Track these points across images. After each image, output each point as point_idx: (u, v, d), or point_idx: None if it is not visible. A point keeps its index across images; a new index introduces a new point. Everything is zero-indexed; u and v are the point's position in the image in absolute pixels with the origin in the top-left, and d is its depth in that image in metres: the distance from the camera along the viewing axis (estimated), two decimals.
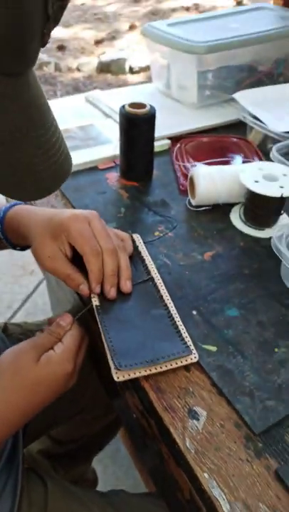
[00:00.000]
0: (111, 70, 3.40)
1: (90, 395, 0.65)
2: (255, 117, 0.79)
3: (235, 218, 0.63)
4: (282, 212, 0.61)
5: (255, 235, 0.60)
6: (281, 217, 0.62)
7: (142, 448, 0.50)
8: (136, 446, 0.51)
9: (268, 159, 0.68)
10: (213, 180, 0.63)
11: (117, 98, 0.94)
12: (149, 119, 0.64)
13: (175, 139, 0.81)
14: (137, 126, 0.64)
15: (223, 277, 0.54)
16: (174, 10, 4.23)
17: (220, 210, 0.64)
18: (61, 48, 3.69)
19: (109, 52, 3.60)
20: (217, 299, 0.51)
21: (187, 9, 4.25)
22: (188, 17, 0.97)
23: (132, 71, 3.40)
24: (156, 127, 0.81)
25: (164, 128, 0.82)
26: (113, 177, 0.70)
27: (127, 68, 3.39)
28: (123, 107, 0.64)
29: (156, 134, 0.80)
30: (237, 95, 0.84)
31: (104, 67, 3.42)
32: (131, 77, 3.35)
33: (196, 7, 4.30)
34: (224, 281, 0.53)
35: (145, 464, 0.49)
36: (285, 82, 0.99)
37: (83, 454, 0.80)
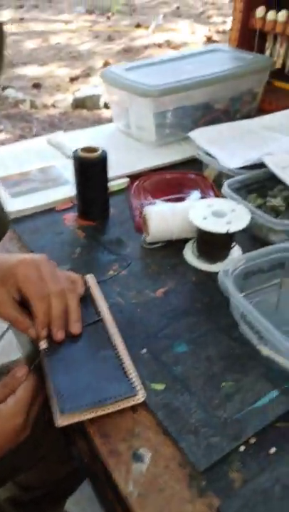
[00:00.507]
0: (86, 106, 3.50)
1: (50, 441, 0.65)
2: (209, 154, 0.83)
3: (189, 253, 0.65)
4: (233, 245, 0.64)
5: (207, 270, 0.62)
6: (234, 249, 0.65)
7: (98, 493, 0.49)
8: (95, 491, 0.51)
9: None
10: (165, 217, 0.65)
11: (79, 140, 0.98)
12: (101, 162, 0.67)
13: (134, 177, 0.84)
14: (89, 169, 0.67)
15: (175, 313, 0.55)
16: (146, 47, 4.42)
17: (174, 246, 0.66)
18: (37, 85, 3.79)
19: (84, 89, 3.71)
20: (167, 334, 0.52)
21: (159, 46, 4.44)
22: (145, 61, 1.03)
23: (106, 106, 3.50)
24: (115, 166, 0.85)
25: (123, 167, 0.85)
26: (71, 217, 0.72)
27: (101, 103, 3.50)
28: (76, 151, 0.67)
29: (115, 173, 0.83)
30: (192, 134, 0.88)
31: (79, 103, 3.52)
32: (106, 112, 3.45)
33: (168, 43, 4.50)
34: (175, 317, 0.54)
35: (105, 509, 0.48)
36: (241, 118, 1.04)
37: (50, 501, 0.78)
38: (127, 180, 0.83)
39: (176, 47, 4.35)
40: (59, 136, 0.98)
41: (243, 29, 1.10)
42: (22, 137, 3.06)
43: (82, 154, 0.66)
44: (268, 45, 1.09)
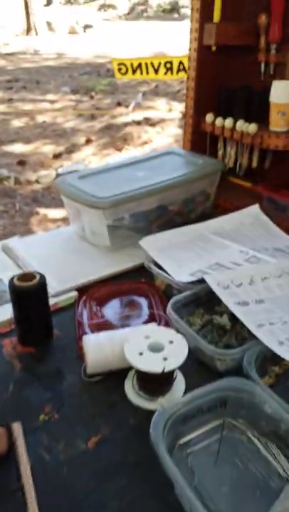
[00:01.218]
0: None
1: None
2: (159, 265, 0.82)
3: (129, 387, 0.61)
4: (175, 376, 0.60)
5: (147, 407, 0.58)
6: (177, 380, 0.61)
7: None
8: None
9: None
10: (102, 349, 0.62)
11: (34, 245, 0.97)
12: (39, 290, 0.65)
13: (83, 290, 0.82)
14: (26, 299, 0.65)
15: (105, 471, 0.50)
16: (126, 124, 4.68)
17: (114, 378, 0.62)
18: (21, 162, 3.93)
19: (66, 165, 3.86)
20: (92, 503, 0.47)
21: (138, 123, 4.70)
22: (99, 167, 1.06)
23: None
24: (64, 278, 0.83)
25: (73, 278, 0.84)
26: (10, 343, 0.69)
27: None
28: (12, 279, 0.65)
29: (64, 287, 0.82)
30: (143, 242, 0.88)
31: None
32: None
33: (147, 121, 4.77)
34: (105, 477, 0.49)
35: None
36: (195, 217, 1.06)
37: None
38: (75, 294, 0.81)
39: (153, 124, 4.61)
40: (12, 242, 0.97)
41: (195, 133, 1.15)
42: (4, 212, 3.13)
43: (18, 284, 0.65)
44: (220, 146, 1.14)
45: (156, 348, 0.59)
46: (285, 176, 1.11)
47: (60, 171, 3.72)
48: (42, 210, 3.17)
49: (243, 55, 1.12)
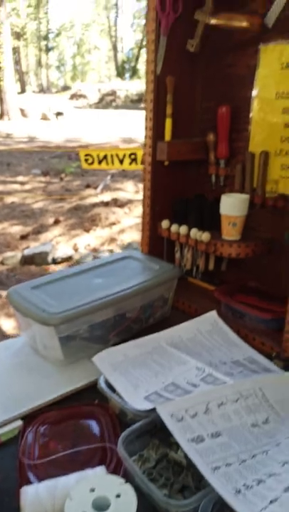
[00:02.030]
0: (35, 262, 3.59)
1: None
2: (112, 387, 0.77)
3: None
4: None
5: None
6: None
7: None
8: None
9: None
10: (42, 503, 0.55)
11: None
12: None
13: (30, 417, 0.75)
14: None
15: None
16: (94, 205, 4.83)
17: None
18: None
19: (34, 245, 3.86)
20: None
21: (106, 204, 4.87)
22: (55, 275, 1.04)
23: (54, 262, 3.61)
24: (7, 407, 0.77)
25: (19, 404, 0.77)
26: None
27: (49, 259, 3.61)
28: None
29: (7, 416, 0.75)
30: (96, 359, 0.84)
31: (28, 260, 3.61)
32: (54, 267, 3.54)
33: (115, 202, 4.95)
34: None
35: None
36: (153, 322, 1.05)
37: None
38: (19, 424, 0.74)
39: (121, 205, 4.79)
40: None
41: (152, 236, 1.18)
42: None
43: None
44: (177, 249, 1.16)
45: (100, 506, 0.52)
46: (242, 279, 1.13)
47: (26, 252, 3.71)
48: (5, 293, 3.09)
49: (195, 166, 1.19)
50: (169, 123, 1.08)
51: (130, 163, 3.26)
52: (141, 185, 5.98)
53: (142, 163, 1.14)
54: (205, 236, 1.04)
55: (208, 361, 0.84)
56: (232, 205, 1.00)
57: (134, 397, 0.74)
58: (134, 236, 3.99)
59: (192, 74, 1.12)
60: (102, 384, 0.79)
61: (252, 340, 0.94)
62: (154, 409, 0.69)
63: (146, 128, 1.11)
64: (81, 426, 0.74)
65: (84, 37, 31.95)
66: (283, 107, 0.96)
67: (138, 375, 0.81)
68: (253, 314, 0.96)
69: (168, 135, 1.09)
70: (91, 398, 0.80)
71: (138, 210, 4.74)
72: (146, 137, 1.12)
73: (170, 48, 1.03)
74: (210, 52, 1.10)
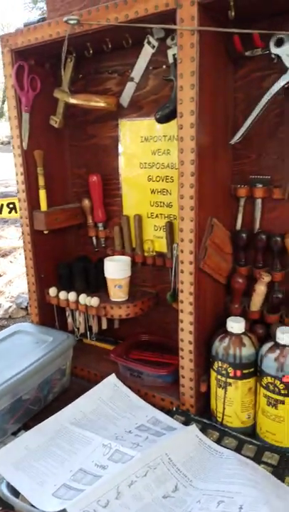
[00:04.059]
0: None
1: None
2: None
3: None
4: None
5: None
6: None
7: None
8: None
9: None
10: None
11: None
12: None
13: None
14: None
15: None
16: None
17: None
18: None
19: None
20: None
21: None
22: None
23: None
24: None
25: None
26: None
27: None
28: None
29: None
30: None
31: None
32: None
33: None
34: None
35: None
36: (53, 398, 1.01)
37: None
38: None
39: (4, 255, 4.56)
40: None
41: (41, 305, 1.15)
42: None
43: None
44: (68, 314, 1.15)
45: None
46: (136, 334, 1.16)
47: None
48: None
49: (75, 229, 1.21)
50: (43, 194, 1.09)
51: (9, 212, 3.15)
52: None
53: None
54: (94, 301, 1.05)
55: (114, 434, 0.84)
56: (115, 269, 1.04)
57: (41, 497, 0.70)
58: (24, 286, 3.82)
59: (59, 145, 1.15)
60: (3, 490, 0.72)
61: (152, 398, 0.97)
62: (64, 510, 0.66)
63: (19, 200, 1.10)
64: None
65: None
66: (147, 175, 1.05)
67: (43, 469, 0.76)
68: (149, 372, 1.00)
69: (43, 205, 1.09)
70: None
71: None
72: (21, 209, 1.10)
73: (34, 123, 1.05)
74: (74, 124, 1.15)
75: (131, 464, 0.72)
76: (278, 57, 0.75)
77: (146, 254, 1.09)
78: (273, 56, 0.75)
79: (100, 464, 0.75)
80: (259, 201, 0.89)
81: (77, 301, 1.09)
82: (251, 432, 0.86)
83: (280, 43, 0.74)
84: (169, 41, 0.84)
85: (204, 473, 0.74)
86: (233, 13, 0.71)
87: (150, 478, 0.71)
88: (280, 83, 0.75)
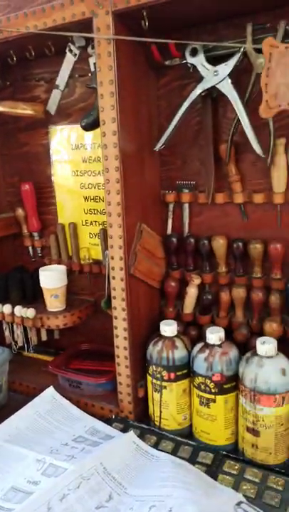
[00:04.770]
0: None
1: None
2: None
3: None
4: None
5: None
6: None
7: None
8: None
9: None
10: None
11: None
12: None
13: None
14: None
15: None
16: None
17: None
18: None
19: None
20: None
21: None
22: None
23: None
24: None
25: None
26: None
27: None
28: None
29: None
30: None
31: None
32: None
33: None
34: None
35: None
36: None
37: None
38: None
39: None
40: None
41: None
42: None
43: None
44: (5, 327, 1.11)
45: None
46: (76, 343, 1.15)
47: None
48: None
49: (11, 239, 1.18)
50: None
51: None
52: None
53: None
54: (30, 313, 1.02)
55: (49, 448, 0.82)
56: (50, 278, 1.02)
57: None
58: None
59: None
60: None
61: (92, 408, 0.96)
62: None
63: None
64: None
65: None
66: (80, 183, 1.04)
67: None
68: (88, 381, 0.98)
69: None
70: None
71: None
72: None
73: None
74: (5, 132, 1.13)
75: (64, 477, 0.71)
76: (194, 66, 0.77)
77: (82, 262, 1.08)
78: (189, 65, 0.78)
79: (33, 480, 0.73)
80: (186, 206, 0.91)
81: (13, 313, 1.05)
82: (188, 433, 0.87)
83: (194, 52, 0.76)
84: (89, 50, 0.85)
85: (139, 479, 0.73)
86: (146, 24, 0.72)
87: (83, 489, 0.70)
88: (197, 91, 0.77)
